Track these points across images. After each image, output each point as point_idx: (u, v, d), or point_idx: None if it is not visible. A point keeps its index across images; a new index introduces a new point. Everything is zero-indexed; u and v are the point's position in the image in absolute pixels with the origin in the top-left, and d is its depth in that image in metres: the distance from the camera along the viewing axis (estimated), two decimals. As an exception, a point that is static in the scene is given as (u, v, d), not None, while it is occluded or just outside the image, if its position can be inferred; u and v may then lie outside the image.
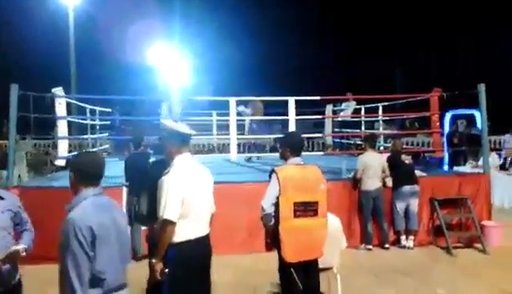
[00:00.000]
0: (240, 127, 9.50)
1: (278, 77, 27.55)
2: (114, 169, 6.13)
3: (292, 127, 7.96)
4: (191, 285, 2.99)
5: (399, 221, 6.58)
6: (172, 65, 19.63)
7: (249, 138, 9.91)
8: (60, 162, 7.85)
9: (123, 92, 19.45)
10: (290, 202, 3.34)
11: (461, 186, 7.00)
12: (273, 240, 3.44)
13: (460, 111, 10.29)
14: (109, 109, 11.04)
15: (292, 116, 8.12)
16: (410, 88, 10.43)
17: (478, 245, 6.48)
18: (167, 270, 2.92)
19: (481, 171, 7.49)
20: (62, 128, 7.81)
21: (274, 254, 3.51)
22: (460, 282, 5.19)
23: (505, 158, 10.78)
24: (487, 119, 7.32)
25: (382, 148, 9.87)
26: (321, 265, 3.63)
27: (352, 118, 11.13)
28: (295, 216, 3.35)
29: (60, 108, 7.65)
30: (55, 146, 10.18)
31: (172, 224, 2.92)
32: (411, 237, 6.54)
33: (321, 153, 11.12)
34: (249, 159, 9.48)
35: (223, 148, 15.09)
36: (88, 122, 9.99)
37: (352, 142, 11.26)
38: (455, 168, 9.34)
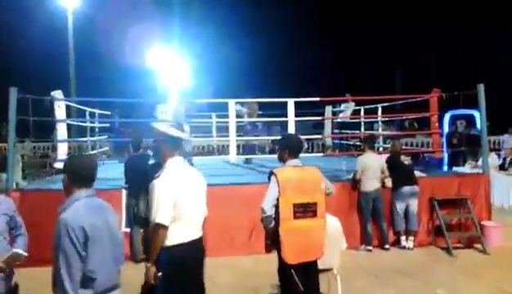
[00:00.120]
0: (240, 129, 9.50)
1: (278, 78, 27.59)
2: (114, 171, 6.12)
3: (291, 129, 7.95)
4: (184, 288, 2.99)
5: (399, 222, 6.58)
6: (172, 67, 19.60)
7: (245, 139, 9.90)
8: (60, 165, 7.84)
9: (123, 95, 19.29)
10: (290, 204, 3.35)
11: (461, 186, 7.01)
12: (273, 242, 3.45)
13: (459, 111, 10.26)
14: (108, 112, 11.02)
15: (291, 117, 8.12)
16: (410, 89, 10.40)
17: (478, 245, 6.48)
18: (160, 274, 2.91)
19: (480, 171, 7.48)
20: (61, 131, 7.81)
21: (274, 255, 3.51)
22: (460, 282, 5.19)
23: (505, 158, 10.75)
24: (486, 119, 7.33)
25: (381, 149, 9.87)
26: (320, 266, 3.64)
27: (352, 119, 11.14)
28: (295, 217, 3.36)
29: (60, 111, 7.66)
30: (54, 149, 10.16)
31: (165, 227, 2.91)
32: (411, 237, 6.54)
33: (321, 154, 11.12)
34: (247, 161, 9.48)
35: (223, 149, 15.11)
36: (88, 124, 9.98)
37: (351, 143, 11.27)
38: (455, 169, 9.31)
